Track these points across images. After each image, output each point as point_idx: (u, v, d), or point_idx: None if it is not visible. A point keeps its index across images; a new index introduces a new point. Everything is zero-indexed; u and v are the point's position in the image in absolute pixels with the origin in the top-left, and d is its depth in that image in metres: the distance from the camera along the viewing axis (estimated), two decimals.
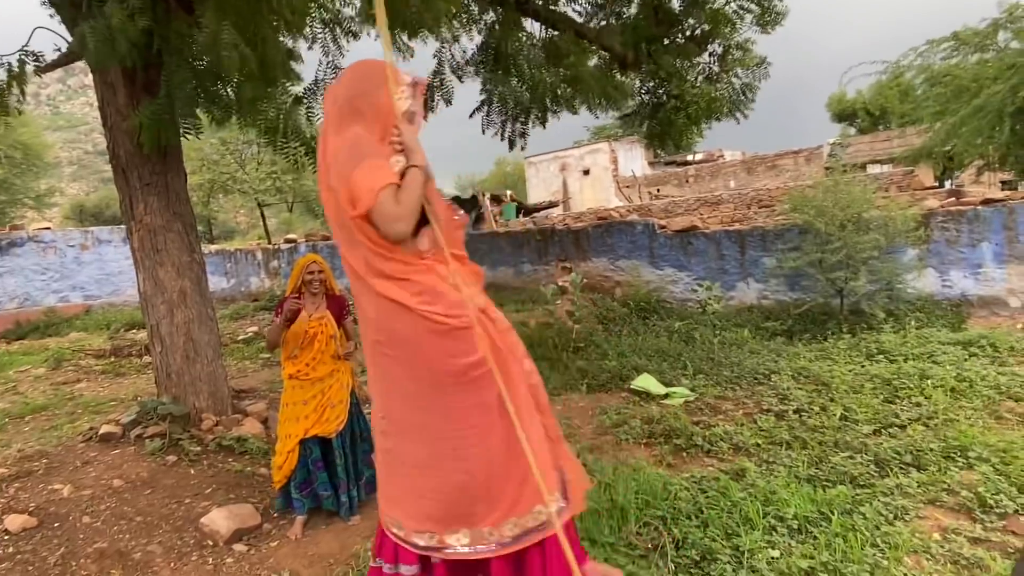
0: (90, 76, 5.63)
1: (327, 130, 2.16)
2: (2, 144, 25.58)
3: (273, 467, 4.05)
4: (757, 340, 7.46)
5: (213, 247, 19.00)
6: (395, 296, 1.98)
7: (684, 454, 4.54)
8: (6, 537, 3.77)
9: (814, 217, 7.69)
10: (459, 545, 2.02)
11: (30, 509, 4.02)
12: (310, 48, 6.25)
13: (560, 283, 10.39)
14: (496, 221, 18.64)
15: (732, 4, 6.29)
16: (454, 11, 6.16)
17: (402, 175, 2.00)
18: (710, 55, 6.39)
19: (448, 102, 6.64)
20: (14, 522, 3.86)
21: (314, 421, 3.87)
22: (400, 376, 2.06)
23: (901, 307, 7.52)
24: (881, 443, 4.18)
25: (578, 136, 37.98)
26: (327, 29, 5.98)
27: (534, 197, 28.43)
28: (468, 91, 7.04)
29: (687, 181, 23.72)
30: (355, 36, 6.22)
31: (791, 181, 16.98)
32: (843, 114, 32.40)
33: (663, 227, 9.88)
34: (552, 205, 23.89)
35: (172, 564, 3.60)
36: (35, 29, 5.33)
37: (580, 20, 6.35)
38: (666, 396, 5.82)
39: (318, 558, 3.57)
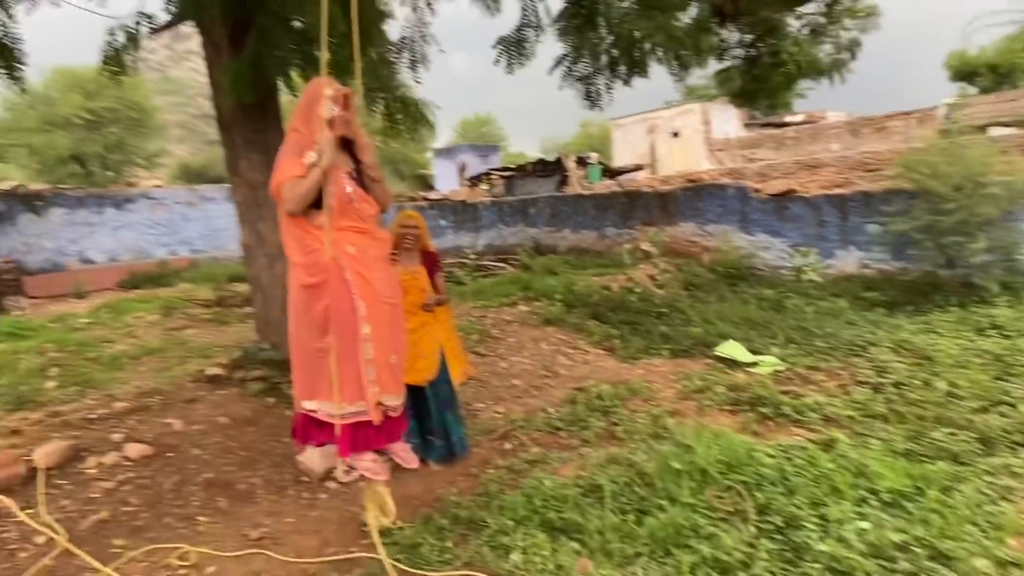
0: (195, 41, 5.90)
1: None
2: (119, 104, 27.36)
3: None
4: (855, 310, 7.09)
5: None
6: (290, 252, 2.99)
7: (770, 423, 4.42)
8: (127, 463, 4.16)
9: (927, 178, 7.15)
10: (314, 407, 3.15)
11: (147, 439, 4.42)
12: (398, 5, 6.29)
13: (644, 247, 10.21)
14: (580, 184, 18.43)
15: None
16: None
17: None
18: (817, 2, 5.98)
19: (513, 60, 6.41)
20: (134, 450, 4.25)
21: (405, 370, 4.01)
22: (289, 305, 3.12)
23: (1019, 280, 6.94)
24: (988, 421, 3.93)
25: (668, 97, 36.70)
26: None
27: (620, 160, 27.83)
28: (554, 49, 6.86)
29: (785, 144, 22.51)
30: None
31: (901, 144, 15.81)
32: (963, 72, 29.69)
33: (757, 191, 9.49)
34: (639, 168, 23.33)
35: (272, 496, 3.87)
36: None
37: None
38: (753, 364, 5.66)
39: (404, 499, 3.74)
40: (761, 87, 6.20)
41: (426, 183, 31.80)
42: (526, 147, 56.74)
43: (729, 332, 6.54)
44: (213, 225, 17.76)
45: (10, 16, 4.55)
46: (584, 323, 7.48)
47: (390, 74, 5.97)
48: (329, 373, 2.94)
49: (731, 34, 6.38)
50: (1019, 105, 18.59)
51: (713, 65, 7.17)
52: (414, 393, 4.12)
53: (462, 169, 25.82)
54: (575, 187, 17.67)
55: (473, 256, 12.44)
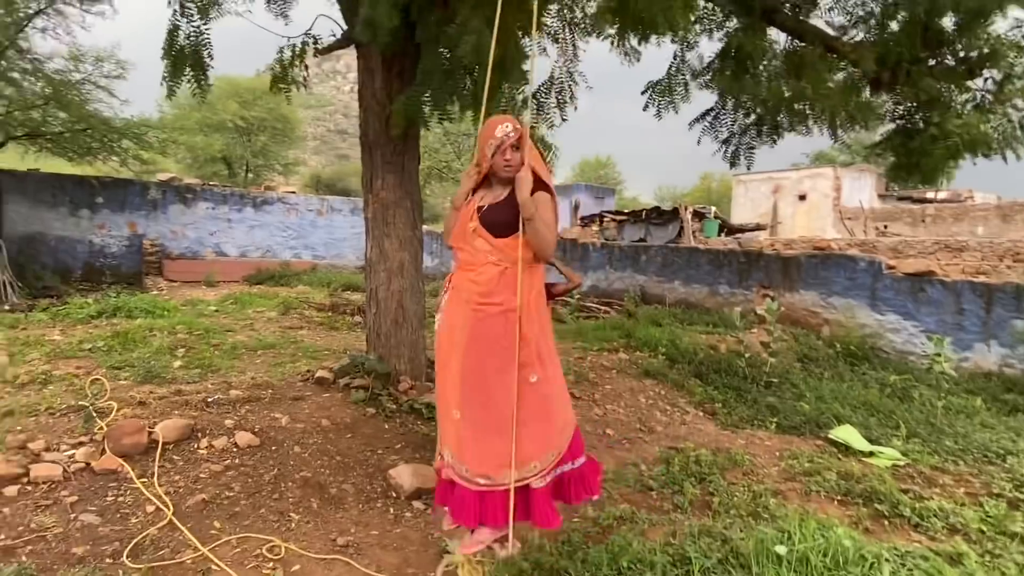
0: (340, 62, 6.32)
1: None
2: (268, 115, 29.77)
3: None
4: (992, 412, 6.43)
5: (424, 227, 20.52)
6: None
7: (886, 522, 4.05)
8: (235, 449, 4.38)
9: None
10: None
11: (255, 430, 4.64)
12: (550, 44, 6.43)
13: (758, 311, 9.78)
14: (695, 237, 18.00)
15: (1021, 30, 5.40)
16: (692, 17, 6.00)
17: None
18: (984, 80, 5.56)
19: (662, 107, 6.37)
20: (242, 438, 4.47)
21: None
22: None
23: None
24: None
25: (795, 160, 35.52)
26: (566, 28, 6.13)
27: (739, 217, 26.99)
28: (687, 105, 6.73)
29: (923, 221, 21.01)
30: (591, 35, 6.29)
31: None
32: None
33: (891, 267, 8.88)
34: (759, 228, 22.47)
35: (360, 506, 3.94)
36: (318, 16, 6.10)
37: (832, 33, 5.86)
38: (870, 454, 5.23)
39: None
40: (918, 161, 5.73)
41: None
42: (641, 194, 56.32)
43: (845, 415, 6.09)
44: (335, 234, 18.79)
45: (206, 23, 4.95)
46: (686, 381, 7.22)
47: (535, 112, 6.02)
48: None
49: (886, 103, 6.03)
50: None
51: (859, 132, 6.84)
52: None
53: (576, 208, 25.91)
54: (690, 239, 17.27)
55: (577, 296, 12.38)
